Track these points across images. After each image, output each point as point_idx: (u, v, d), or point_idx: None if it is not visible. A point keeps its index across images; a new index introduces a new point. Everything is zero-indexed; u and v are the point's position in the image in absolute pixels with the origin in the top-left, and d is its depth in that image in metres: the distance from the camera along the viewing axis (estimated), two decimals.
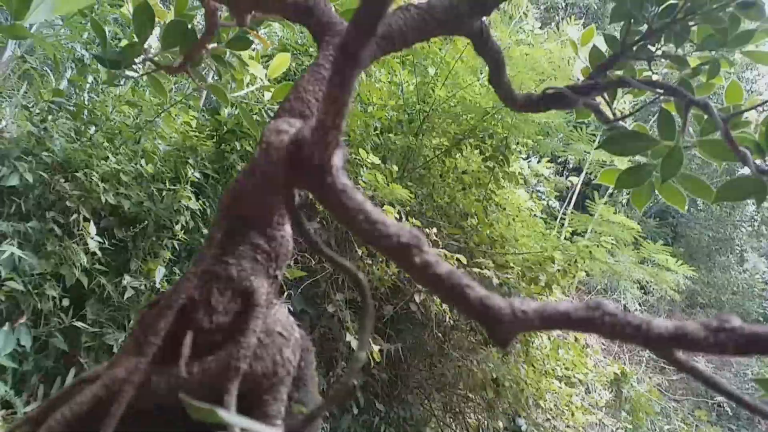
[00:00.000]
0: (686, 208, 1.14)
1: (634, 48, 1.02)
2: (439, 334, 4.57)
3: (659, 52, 1.05)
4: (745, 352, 0.44)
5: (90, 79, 4.48)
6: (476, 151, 5.71)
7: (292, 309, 4.42)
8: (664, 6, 1.00)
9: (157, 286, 3.80)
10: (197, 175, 3.95)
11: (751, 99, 1.08)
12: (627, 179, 1.04)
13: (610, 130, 1.06)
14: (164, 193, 3.89)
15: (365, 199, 0.48)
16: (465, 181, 5.43)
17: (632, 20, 1.04)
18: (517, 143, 5.43)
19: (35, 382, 3.63)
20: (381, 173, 5.04)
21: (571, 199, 6.96)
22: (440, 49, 5.56)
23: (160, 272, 3.72)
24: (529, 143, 5.68)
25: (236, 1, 0.97)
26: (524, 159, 6.54)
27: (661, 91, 0.87)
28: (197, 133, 4.38)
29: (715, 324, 0.45)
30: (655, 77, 1.17)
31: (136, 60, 1.24)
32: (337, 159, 0.49)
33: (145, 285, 3.78)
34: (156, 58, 1.27)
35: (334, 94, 0.43)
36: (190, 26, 1.22)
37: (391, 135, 5.70)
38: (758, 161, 0.94)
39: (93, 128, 3.89)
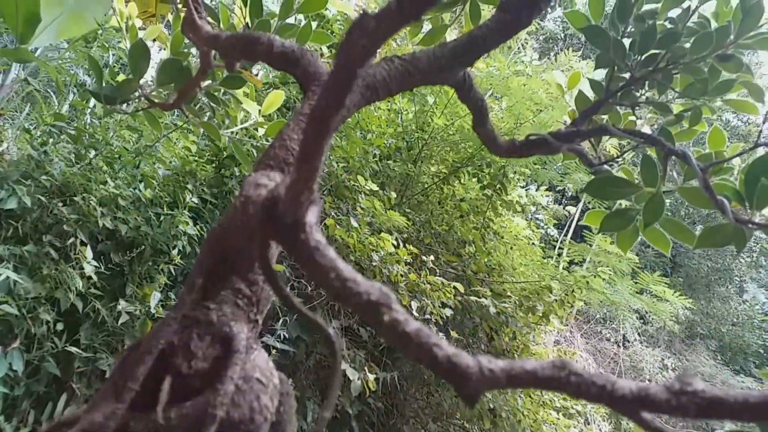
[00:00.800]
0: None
1: (618, 94, 1.05)
2: None
3: (643, 98, 1.08)
4: (706, 416, 0.44)
5: (92, 103, 4.53)
6: (474, 179, 5.75)
7: (287, 335, 4.39)
8: (646, 55, 1.02)
9: (152, 311, 3.79)
10: (195, 200, 3.97)
11: (733, 146, 1.10)
12: (611, 223, 1.05)
13: (594, 174, 1.08)
14: (162, 217, 3.91)
15: (337, 256, 0.49)
16: (463, 209, 5.45)
17: (616, 67, 1.07)
18: (515, 172, 5.47)
19: (26, 407, 3.60)
20: (379, 200, 5.06)
21: (569, 228, 6.97)
22: None
23: (155, 297, 3.71)
24: (527, 172, 5.72)
25: (225, 50, 1.00)
26: (522, 187, 6.57)
27: (642, 140, 0.89)
28: (197, 158, 4.42)
29: (677, 386, 0.46)
30: (639, 121, 1.19)
31: (132, 95, 1.27)
32: (311, 216, 0.50)
33: (140, 310, 3.77)
34: (151, 95, 1.30)
35: (306, 157, 0.44)
36: (185, 64, 1.25)
37: (389, 162, 5.74)
38: (740, 208, 0.95)
39: (93, 152, 3.93)
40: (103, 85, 1.27)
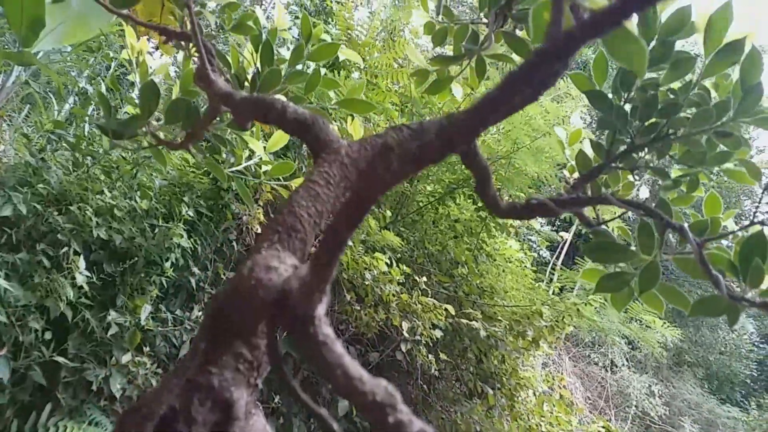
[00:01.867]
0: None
1: (618, 159, 1.07)
2: (424, 385, 4.53)
3: (642, 162, 1.10)
4: None
5: (90, 110, 4.53)
6: (469, 201, 5.77)
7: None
8: (647, 123, 1.05)
9: (142, 323, 3.77)
10: (191, 213, 3.97)
11: (728, 212, 1.13)
12: (607, 284, 1.07)
13: (593, 234, 1.10)
14: (156, 229, 3.90)
15: (344, 352, 0.50)
16: (457, 230, 5.47)
17: (617, 131, 1.09)
18: (510, 196, 5.51)
19: (10, 416, 3.56)
20: (374, 217, 5.08)
21: (560, 252, 7.01)
22: (437, 100, 5.68)
23: (146, 310, 3.69)
24: (522, 196, 5.75)
25: (238, 111, 1.02)
26: None
27: (642, 212, 0.91)
28: (194, 170, 4.42)
29: None
30: (638, 182, 1.22)
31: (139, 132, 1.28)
32: (321, 309, 0.51)
33: (130, 321, 3.75)
34: (158, 131, 1.31)
35: (322, 264, 0.46)
36: (194, 104, 1.26)
37: None
38: (734, 280, 0.97)
39: (91, 160, 3.92)
40: (111, 118, 1.28)
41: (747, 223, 0.92)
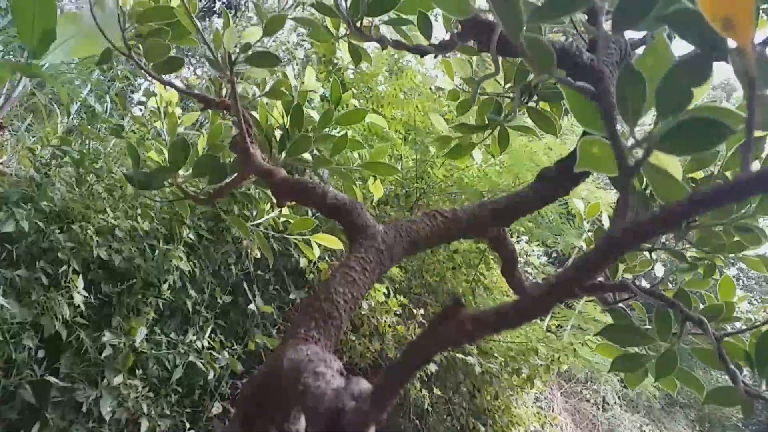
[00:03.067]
0: None
1: None
2: (416, 420, 4.50)
3: (659, 243, 1.13)
4: None
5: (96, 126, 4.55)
6: None
7: None
8: None
9: (137, 345, 3.74)
10: (191, 236, 3.97)
11: (742, 297, 1.15)
12: (622, 365, 1.09)
13: (610, 313, 1.12)
14: (156, 250, 3.89)
15: None
16: (456, 261, 5.48)
17: (637, 213, 1.12)
18: (509, 229, 5.54)
19: None
20: None
21: None
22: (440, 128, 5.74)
23: (141, 333, 3.67)
24: (522, 230, 5.79)
25: (278, 190, 1.04)
26: (516, 242, 6.64)
27: (662, 302, 0.94)
28: (196, 190, 4.42)
29: None
30: (654, 260, 1.25)
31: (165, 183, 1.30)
32: (372, 430, 0.53)
33: (125, 343, 3.71)
34: (184, 184, 1.33)
35: (384, 395, 0.48)
36: (222, 161, 1.28)
37: (387, 207, 5.79)
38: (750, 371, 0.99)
39: (94, 177, 3.92)
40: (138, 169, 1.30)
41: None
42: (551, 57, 0.50)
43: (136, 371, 3.81)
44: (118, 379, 3.72)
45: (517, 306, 0.42)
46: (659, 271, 1.19)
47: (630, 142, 0.50)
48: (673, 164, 0.56)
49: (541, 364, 4.37)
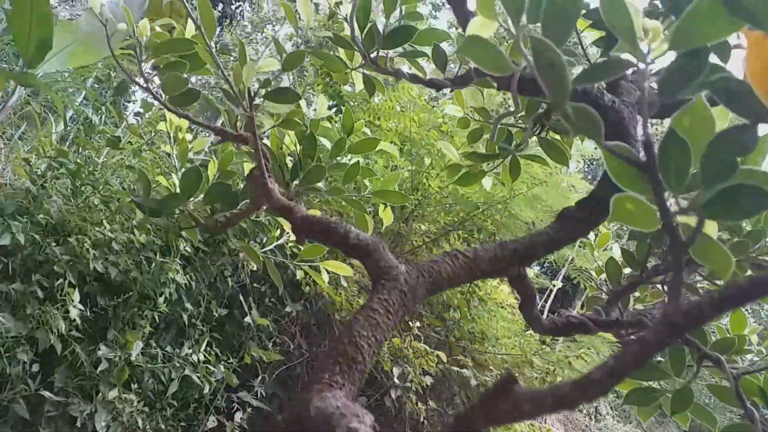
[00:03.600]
0: None
1: (650, 273, 1.11)
2: None
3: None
4: None
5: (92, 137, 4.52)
6: (464, 243, 5.82)
7: (264, 393, 4.32)
8: None
9: (132, 358, 3.71)
10: (188, 249, 3.94)
11: (753, 329, 1.17)
12: (635, 398, 1.10)
13: (623, 345, 1.13)
14: (153, 263, 3.86)
15: None
16: None
17: (650, 246, 1.14)
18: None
19: None
20: None
21: (548, 298, 7.10)
22: (436, 141, 5.77)
23: (137, 346, 3.64)
24: None
25: (297, 228, 1.04)
26: None
27: (679, 340, 0.95)
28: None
29: None
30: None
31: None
32: None
33: (120, 357, 3.68)
34: (195, 211, 1.33)
35: None
36: (232, 189, 1.29)
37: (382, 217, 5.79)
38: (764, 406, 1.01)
39: (90, 188, 3.89)
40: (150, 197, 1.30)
41: None
42: (599, 127, 0.51)
43: (132, 385, 3.77)
44: (113, 393, 3.68)
45: (578, 385, 0.42)
46: None
47: (674, 208, 0.50)
48: (711, 226, 0.57)
49: (536, 377, 4.38)
